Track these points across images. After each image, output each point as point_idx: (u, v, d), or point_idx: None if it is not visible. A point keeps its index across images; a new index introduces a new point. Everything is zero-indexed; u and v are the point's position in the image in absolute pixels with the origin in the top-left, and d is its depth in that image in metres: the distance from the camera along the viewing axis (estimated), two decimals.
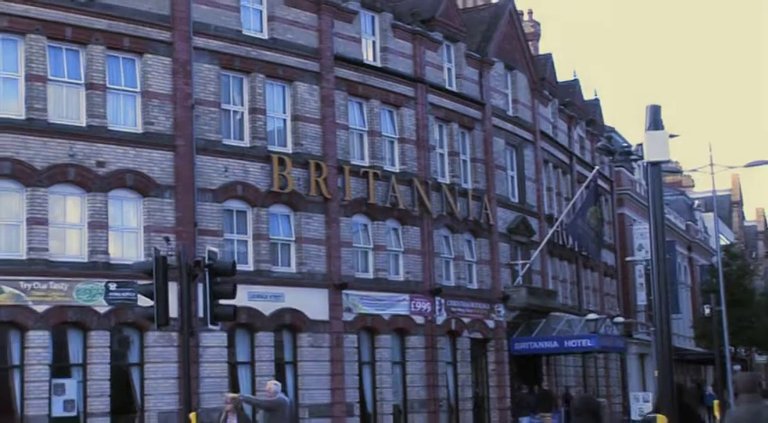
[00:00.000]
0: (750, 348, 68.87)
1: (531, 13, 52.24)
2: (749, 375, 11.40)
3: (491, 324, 36.96)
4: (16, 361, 24.44)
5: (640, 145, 9.60)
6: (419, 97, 34.67)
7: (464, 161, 37.21)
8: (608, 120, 56.63)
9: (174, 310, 15.93)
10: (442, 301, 34.28)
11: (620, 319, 46.46)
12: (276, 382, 19.16)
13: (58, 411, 24.65)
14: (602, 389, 46.66)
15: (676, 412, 10.68)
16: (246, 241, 28.89)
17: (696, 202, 76.53)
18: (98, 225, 25.85)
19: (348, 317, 30.77)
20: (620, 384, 49.01)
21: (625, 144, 49.22)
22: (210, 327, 17.60)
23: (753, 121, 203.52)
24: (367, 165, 32.41)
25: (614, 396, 48.06)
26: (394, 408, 32.38)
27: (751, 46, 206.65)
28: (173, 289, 15.79)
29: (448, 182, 35.70)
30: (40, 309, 24.54)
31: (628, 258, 50.84)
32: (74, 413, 24.98)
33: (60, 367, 25.07)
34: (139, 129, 27.03)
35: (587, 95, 52.65)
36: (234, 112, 29.36)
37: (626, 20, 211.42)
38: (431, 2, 37.84)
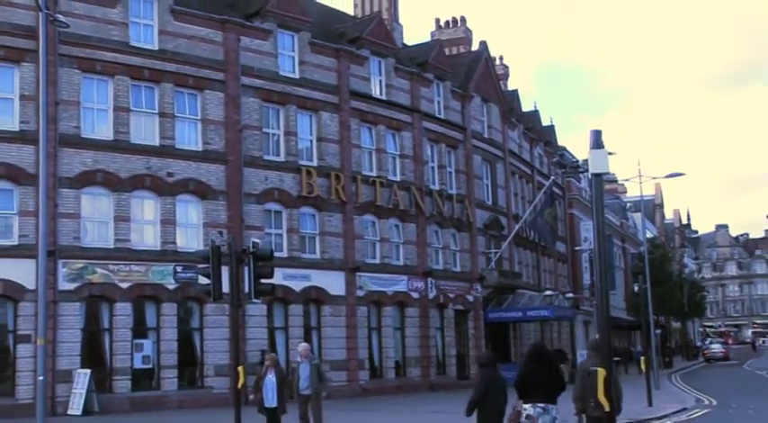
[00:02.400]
0: (668, 317, 68.82)
1: (501, 58, 52.06)
2: (594, 340, 12.40)
3: (470, 298, 36.88)
4: (106, 325, 24.59)
5: (586, 160, 9.58)
6: (415, 123, 34.61)
7: (450, 172, 37.13)
8: (561, 141, 56.53)
9: (225, 287, 15.87)
10: (433, 280, 34.22)
11: (570, 295, 46.42)
12: (307, 344, 19.04)
13: (137, 364, 24.80)
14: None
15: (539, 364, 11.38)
16: (282, 234, 28.88)
17: (628, 204, 76.35)
18: (168, 222, 25.91)
19: (360, 293, 30.75)
20: (569, 345, 48.82)
21: (574, 160, 49.20)
22: (254, 300, 17.52)
23: (672, 141, 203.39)
24: (375, 175, 32.35)
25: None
26: (395, 363, 32.35)
27: (674, 80, 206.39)
28: (225, 271, 15.74)
29: (437, 188, 35.62)
30: (124, 285, 24.64)
31: (576, 248, 50.72)
32: (150, 366, 25.11)
33: (139, 330, 25.15)
34: (200, 147, 27.06)
35: (545, 122, 52.60)
36: (272, 134, 29.34)
37: (572, 62, 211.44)
38: (425, 49, 37.92)
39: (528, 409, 10.84)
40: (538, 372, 10.95)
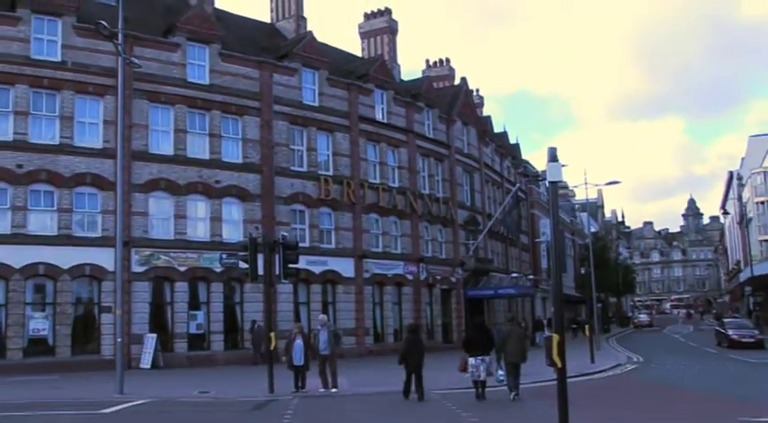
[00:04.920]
0: (607, 293, 68.70)
1: (477, 90, 51.73)
2: (510, 314, 16.36)
3: (453, 280, 36.79)
4: (168, 300, 24.66)
5: (544, 171, 9.60)
6: (410, 142, 34.54)
7: (437, 180, 37.02)
8: (524, 155, 56.46)
9: (261, 270, 15.87)
10: (424, 265, 34.14)
11: (531, 277, 46.32)
12: (324, 315, 19.04)
13: (192, 330, 24.89)
14: (520, 320, 46.35)
15: (475, 332, 14.28)
16: (305, 229, 28.84)
17: (576, 205, 76.09)
18: (216, 219, 25.93)
19: (366, 275, 30.70)
20: (531, 317, 48.75)
21: (534, 170, 49.04)
22: (283, 281, 17.56)
23: (611, 154, 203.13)
24: (378, 182, 32.29)
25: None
26: (394, 330, 32.26)
27: (611, 106, 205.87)
28: (260, 258, 15.74)
29: (427, 193, 35.53)
30: (182, 269, 24.69)
31: (536, 240, 50.66)
32: (202, 331, 25.17)
33: (194, 304, 25.19)
34: (240, 160, 27.05)
35: (512, 140, 52.41)
36: (297, 150, 29.30)
37: (535, 92, 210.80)
38: (417, 84, 37.82)
39: (471, 360, 13.58)
40: (477, 335, 13.91)
